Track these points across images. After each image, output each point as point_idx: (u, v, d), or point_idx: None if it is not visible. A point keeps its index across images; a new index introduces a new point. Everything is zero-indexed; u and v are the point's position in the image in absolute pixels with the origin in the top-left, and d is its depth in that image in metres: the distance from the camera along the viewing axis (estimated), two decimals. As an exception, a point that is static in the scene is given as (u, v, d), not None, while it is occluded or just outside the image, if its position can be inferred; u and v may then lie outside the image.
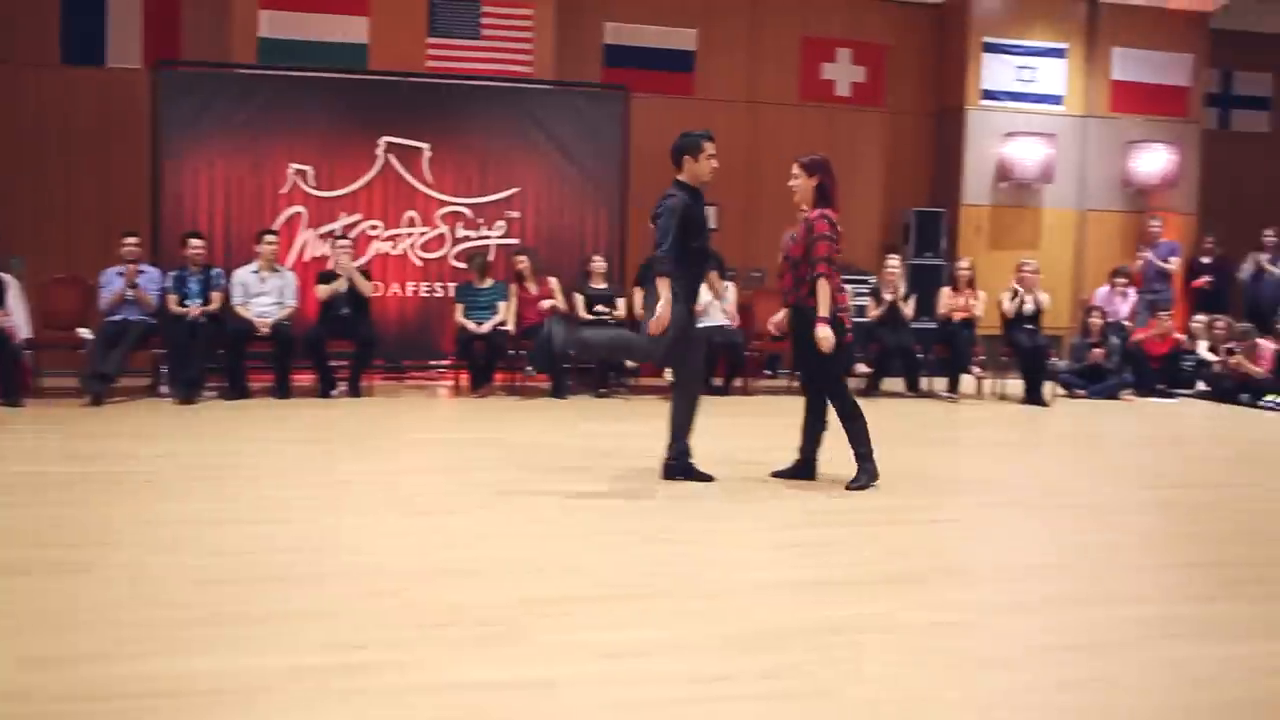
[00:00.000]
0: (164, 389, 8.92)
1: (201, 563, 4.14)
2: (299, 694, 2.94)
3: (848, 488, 5.70)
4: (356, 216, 10.03)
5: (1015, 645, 3.47)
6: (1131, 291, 11.60)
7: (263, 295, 9.07)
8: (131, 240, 8.91)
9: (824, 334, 5.52)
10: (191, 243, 8.99)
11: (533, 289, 9.71)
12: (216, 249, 9.58)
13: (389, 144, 10.05)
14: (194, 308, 8.80)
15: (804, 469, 5.94)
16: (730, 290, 10.08)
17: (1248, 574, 4.40)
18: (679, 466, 5.85)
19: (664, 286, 5.53)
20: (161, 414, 8.05)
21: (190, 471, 5.92)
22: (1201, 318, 11.35)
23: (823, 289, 5.56)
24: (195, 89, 9.72)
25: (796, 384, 6.70)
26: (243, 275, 9.10)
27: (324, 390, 8.99)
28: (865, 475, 5.75)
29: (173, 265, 9.18)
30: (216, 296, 8.98)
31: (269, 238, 9.16)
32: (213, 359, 8.91)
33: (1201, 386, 10.81)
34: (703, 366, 5.94)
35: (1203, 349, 10.98)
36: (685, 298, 5.71)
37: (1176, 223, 12.61)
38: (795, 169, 5.81)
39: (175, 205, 9.64)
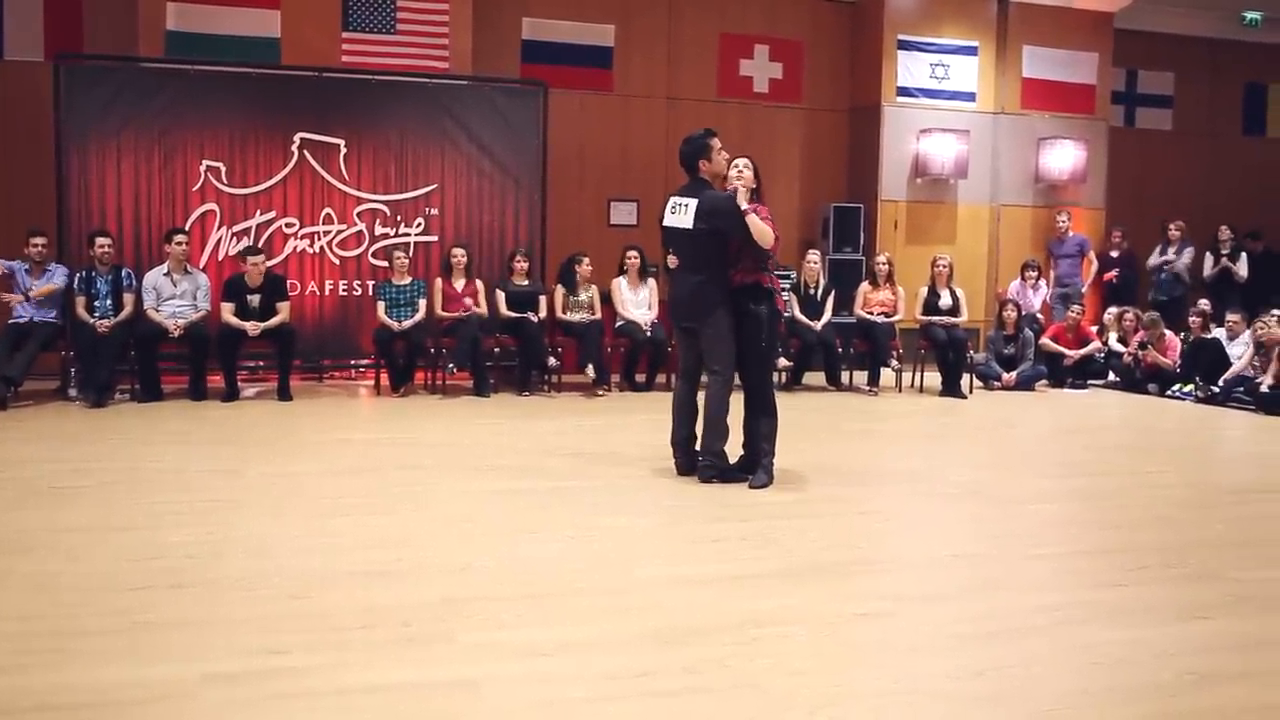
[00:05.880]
0: (73, 392, 8.67)
1: (112, 570, 4.03)
2: (215, 701, 2.89)
3: (751, 486, 5.73)
4: (271, 214, 9.84)
5: (935, 634, 3.53)
6: (1042, 284, 11.88)
7: (174, 299, 8.84)
8: (39, 240, 8.65)
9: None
10: (99, 241, 8.74)
11: (458, 285, 9.62)
12: (126, 248, 9.35)
13: (304, 140, 9.89)
14: (106, 323, 8.54)
15: (751, 464, 5.96)
16: (652, 286, 10.10)
17: (1158, 559, 4.53)
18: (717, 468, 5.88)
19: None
20: (71, 418, 7.83)
21: (100, 476, 5.77)
22: (1112, 310, 11.65)
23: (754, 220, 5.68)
24: (101, 83, 9.44)
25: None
26: (154, 279, 8.85)
27: (230, 395, 8.78)
28: (766, 474, 5.79)
29: (79, 264, 8.94)
30: (129, 300, 8.75)
31: (179, 238, 8.91)
32: (124, 361, 8.68)
33: (1112, 377, 11.09)
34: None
35: (1113, 340, 11.26)
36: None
37: (1085, 217, 12.92)
38: (745, 166, 5.86)
39: (81, 203, 9.37)
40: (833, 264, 11.76)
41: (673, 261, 6.00)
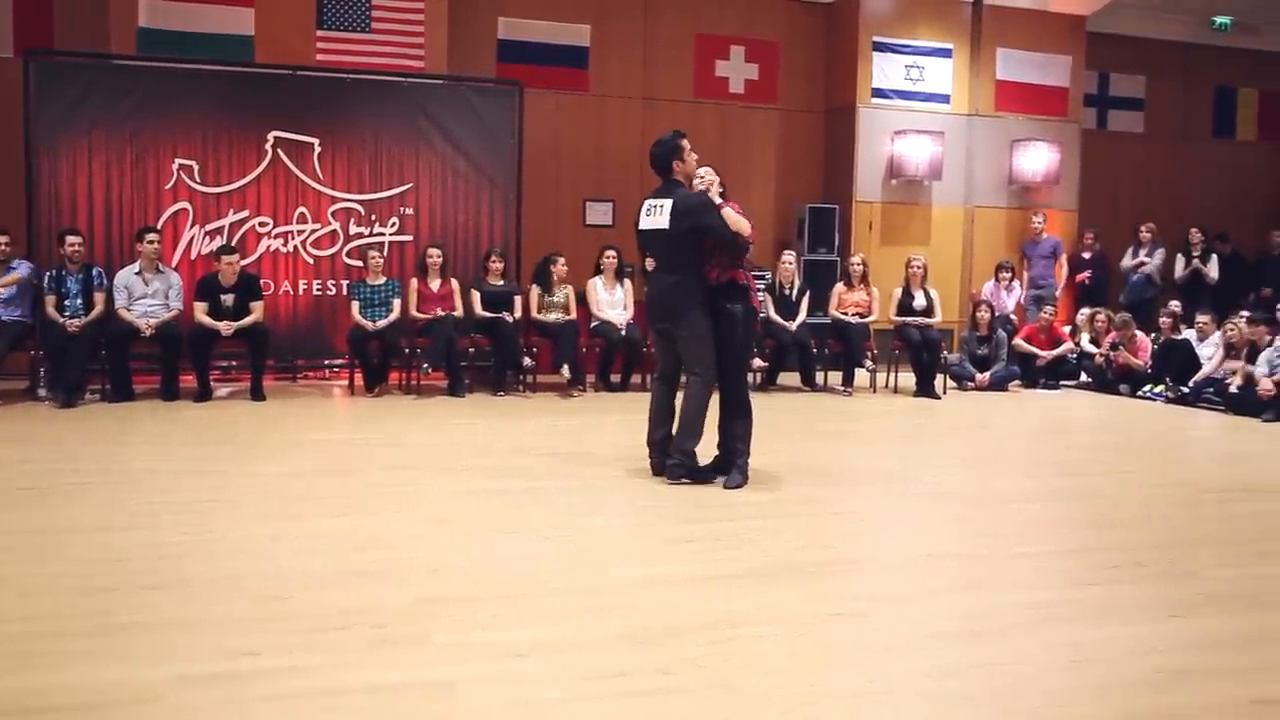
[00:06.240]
0: (43, 392, 8.58)
1: (83, 571, 3.99)
2: (187, 703, 2.86)
3: (725, 486, 5.73)
4: (245, 213, 9.78)
5: (910, 634, 3.54)
6: (1016, 285, 11.95)
7: (146, 298, 8.76)
8: (1, 239, 8.55)
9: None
10: (69, 240, 8.65)
11: (434, 286, 9.59)
12: (97, 247, 9.27)
13: (278, 139, 9.82)
14: (76, 322, 8.44)
15: (725, 465, 5.95)
16: (628, 286, 10.10)
17: (1127, 558, 4.55)
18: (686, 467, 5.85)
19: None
20: (40, 418, 7.75)
21: (71, 477, 5.71)
22: (1084, 311, 11.74)
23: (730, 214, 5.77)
24: (72, 79, 9.35)
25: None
26: (125, 277, 8.76)
27: (202, 395, 8.72)
28: (741, 474, 5.80)
29: (49, 263, 8.84)
30: (100, 298, 8.66)
31: (151, 236, 8.83)
32: (94, 361, 8.59)
33: (1084, 378, 11.16)
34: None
35: (1085, 341, 11.35)
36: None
37: (1058, 219, 13.01)
38: (708, 173, 5.95)
39: (51, 201, 9.27)
40: (808, 265, 11.77)
41: (650, 264, 6.03)
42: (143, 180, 9.52)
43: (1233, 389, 9.40)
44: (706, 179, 5.92)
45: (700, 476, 5.83)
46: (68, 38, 10.29)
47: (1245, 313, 10.31)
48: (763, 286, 10.27)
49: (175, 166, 9.58)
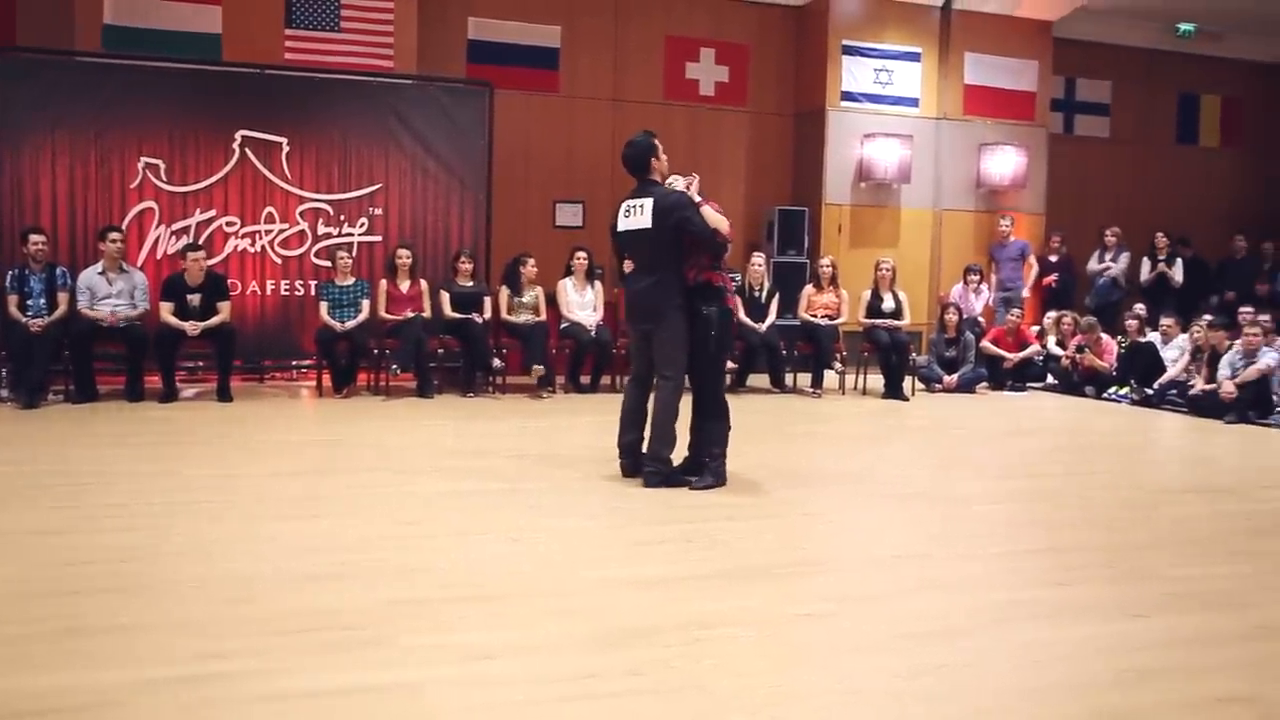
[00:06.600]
0: (4, 393, 8.47)
1: (45, 574, 3.94)
2: (151, 707, 2.83)
3: (692, 487, 5.73)
4: (212, 212, 9.70)
5: (878, 634, 3.55)
6: (984, 287, 12.04)
7: (110, 298, 8.65)
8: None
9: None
10: (33, 239, 8.53)
11: (403, 287, 9.54)
12: (61, 246, 9.16)
13: (245, 138, 9.75)
14: (39, 322, 8.32)
15: (695, 467, 5.94)
16: (598, 288, 10.10)
17: (1096, 559, 4.59)
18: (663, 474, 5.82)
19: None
20: (2, 419, 7.64)
21: (33, 480, 5.63)
22: (1051, 314, 11.84)
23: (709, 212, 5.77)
24: (35, 76, 9.24)
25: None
26: (88, 278, 8.65)
27: (168, 395, 8.63)
28: (713, 476, 5.79)
29: (12, 262, 8.73)
30: (63, 298, 8.55)
31: (113, 235, 8.73)
32: (58, 361, 8.49)
33: (1050, 380, 11.25)
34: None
35: (1051, 344, 11.44)
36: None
37: (1025, 222, 13.12)
38: (681, 180, 5.97)
39: (14, 199, 9.17)
40: (777, 267, 11.81)
41: (628, 266, 6.00)
42: (108, 179, 9.43)
43: (1196, 391, 9.50)
44: (682, 181, 5.92)
45: (675, 481, 5.82)
46: (32, 34, 10.16)
47: (1208, 317, 10.43)
48: (734, 289, 10.28)
49: (141, 165, 9.50)
